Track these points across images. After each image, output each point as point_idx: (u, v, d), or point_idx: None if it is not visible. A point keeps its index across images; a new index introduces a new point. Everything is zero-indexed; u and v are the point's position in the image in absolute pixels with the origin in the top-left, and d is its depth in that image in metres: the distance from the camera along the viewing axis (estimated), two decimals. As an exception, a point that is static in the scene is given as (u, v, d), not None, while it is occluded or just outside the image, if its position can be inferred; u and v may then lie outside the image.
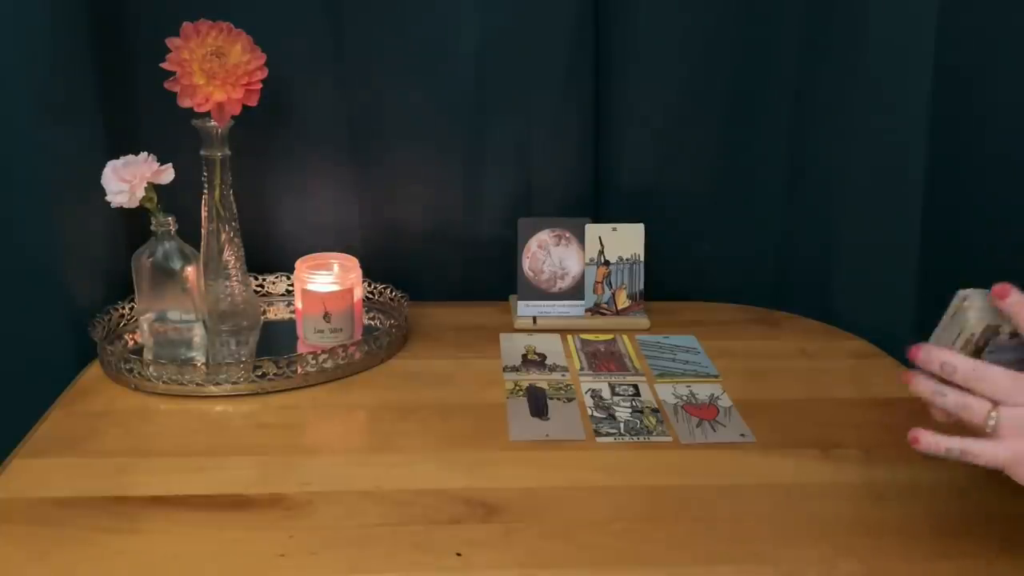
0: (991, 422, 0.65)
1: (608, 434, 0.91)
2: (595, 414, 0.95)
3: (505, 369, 1.05)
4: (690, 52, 1.16)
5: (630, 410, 0.96)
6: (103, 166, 0.98)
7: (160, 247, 1.01)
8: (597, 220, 1.17)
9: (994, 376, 0.65)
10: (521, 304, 1.17)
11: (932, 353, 0.68)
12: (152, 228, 1.00)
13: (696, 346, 1.12)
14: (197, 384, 0.97)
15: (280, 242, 1.20)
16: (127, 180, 0.97)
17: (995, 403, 0.65)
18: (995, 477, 0.84)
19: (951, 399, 0.66)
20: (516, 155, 1.19)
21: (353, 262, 1.10)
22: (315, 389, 1.00)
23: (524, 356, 1.08)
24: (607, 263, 1.17)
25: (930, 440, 0.67)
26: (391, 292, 1.17)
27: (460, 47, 1.13)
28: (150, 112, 1.08)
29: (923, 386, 0.68)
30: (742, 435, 0.91)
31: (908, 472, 0.85)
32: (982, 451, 0.65)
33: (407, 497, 0.80)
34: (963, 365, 0.66)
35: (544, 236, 1.16)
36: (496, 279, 1.21)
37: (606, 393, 1.00)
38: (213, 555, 0.73)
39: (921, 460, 0.86)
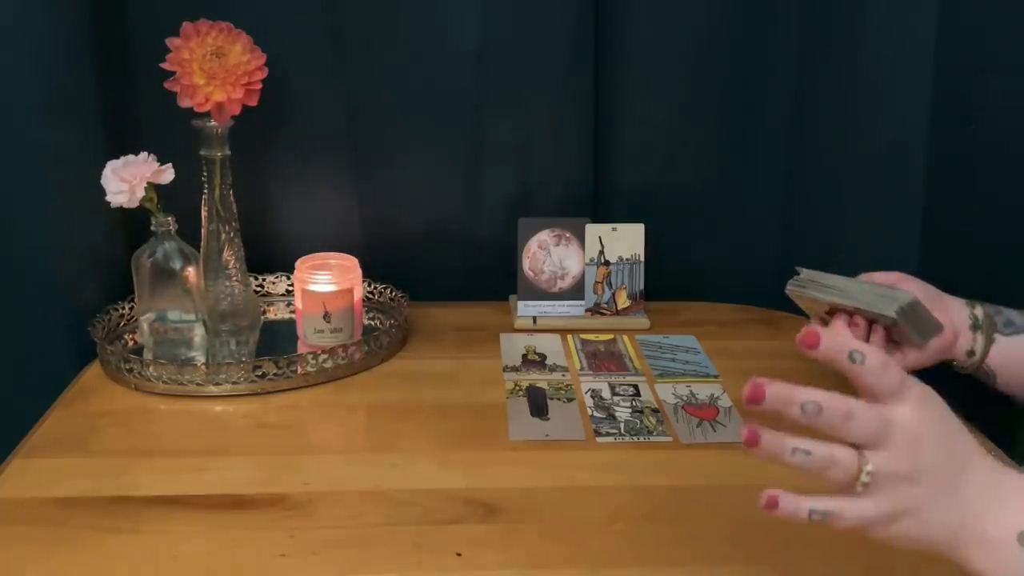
0: (865, 479, 0.51)
1: (608, 434, 0.91)
2: (595, 414, 0.95)
3: (505, 369, 1.05)
4: (690, 52, 1.16)
5: (630, 410, 0.96)
6: (103, 166, 0.98)
7: (160, 247, 1.01)
8: (597, 220, 1.17)
9: (864, 416, 0.52)
10: (521, 304, 1.17)
11: (785, 393, 0.53)
12: (152, 228, 1.00)
13: (696, 346, 1.12)
14: (197, 384, 0.97)
15: (280, 242, 1.20)
16: (127, 180, 0.97)
17: (860, 450, 0.52)
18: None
19: (817, 455, 0.51)
20: (516, 155, 1.19)
21: (353, 262, 1.10)
22: (315, 389, 1.00)
23: (524, 356, 1.08)
24: (607, 263, 1.17)
25: (790, 504, 0.52)
26: (391, 292, 1.17)
27: (460, 47, 1.13)
28: (150, 112, 1.08)
29: (774, 446, 0.52)
30: (742, 435, 0.91)
31: (908, 472, 0.85)
32: (849, 510, 0.52)
33: (407, 497, 0.80)
34: (830, 404, 0.52)
35: (544, 236, 1.16)
36: (496, 279, 1.21)
37: (606, 393, 1.00)
38: (213, 555, 0.73)
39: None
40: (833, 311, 0.88)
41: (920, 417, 0.52)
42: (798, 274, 0.90)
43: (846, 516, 0.52)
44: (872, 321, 0.86)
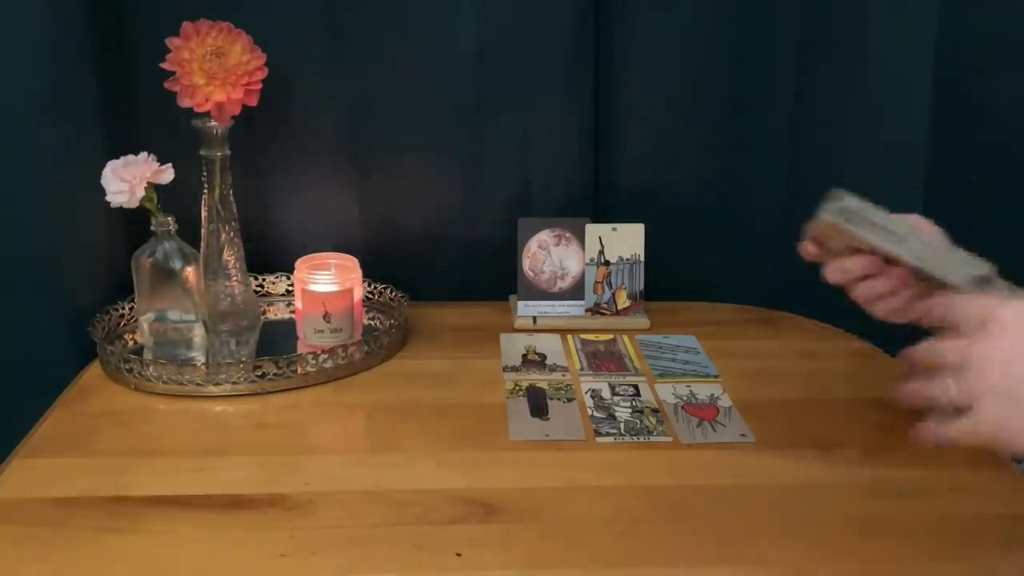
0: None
1: (608, 434, 0.91)
2: (595, 414, 0.95)
3: (505, 369, 1.05)
4: (690, 52, 1.16)
5: (630, 410, 0.96)
6: (103, 166, 0.98)
7: (160, 247, 1.01)
8: (597, 220, 1.17)
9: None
10: (521, 304, 1.17)
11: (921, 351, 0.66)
12: (152, 228, 1.00)
13: (696, 346, 1.12)
14: (197, 384, 0.97)
15: (280, 242, 1.20)
16: (127, 180, 0.97)
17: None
18: (994, 476, 0.84)
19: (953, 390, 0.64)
20: (516, 155, 1.19)
21: (353, 262, 1.10)
22: (315, 389, 1.00)
23: (524, 356, 1.08)
24: (607, 263, 1.17)
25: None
26: (391, 292, 1.17)
27: (460, 47, 1.13)
28: (150, 112, 1.08)
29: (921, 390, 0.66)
30: (742, 435, 0.91)
31: (908, 472, 0.85)
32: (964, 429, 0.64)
33: (407, 497, 0.80)
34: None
35: (544, 236, 1.16)
36: (496, 279, 1.21)
37: (606, 393, 1.00)
38: (213, 555, 0.73)
39: (921, 460, 0.86)
40: (859, 250, 0.75)
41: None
42: (835, 199, 0.76)
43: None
44: (892, 261, 0.75)
